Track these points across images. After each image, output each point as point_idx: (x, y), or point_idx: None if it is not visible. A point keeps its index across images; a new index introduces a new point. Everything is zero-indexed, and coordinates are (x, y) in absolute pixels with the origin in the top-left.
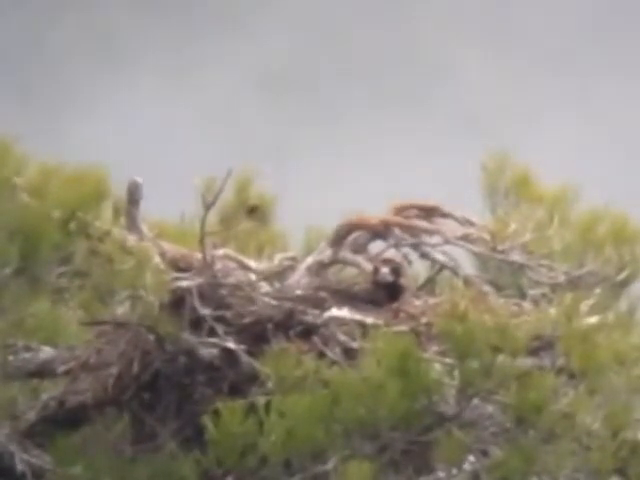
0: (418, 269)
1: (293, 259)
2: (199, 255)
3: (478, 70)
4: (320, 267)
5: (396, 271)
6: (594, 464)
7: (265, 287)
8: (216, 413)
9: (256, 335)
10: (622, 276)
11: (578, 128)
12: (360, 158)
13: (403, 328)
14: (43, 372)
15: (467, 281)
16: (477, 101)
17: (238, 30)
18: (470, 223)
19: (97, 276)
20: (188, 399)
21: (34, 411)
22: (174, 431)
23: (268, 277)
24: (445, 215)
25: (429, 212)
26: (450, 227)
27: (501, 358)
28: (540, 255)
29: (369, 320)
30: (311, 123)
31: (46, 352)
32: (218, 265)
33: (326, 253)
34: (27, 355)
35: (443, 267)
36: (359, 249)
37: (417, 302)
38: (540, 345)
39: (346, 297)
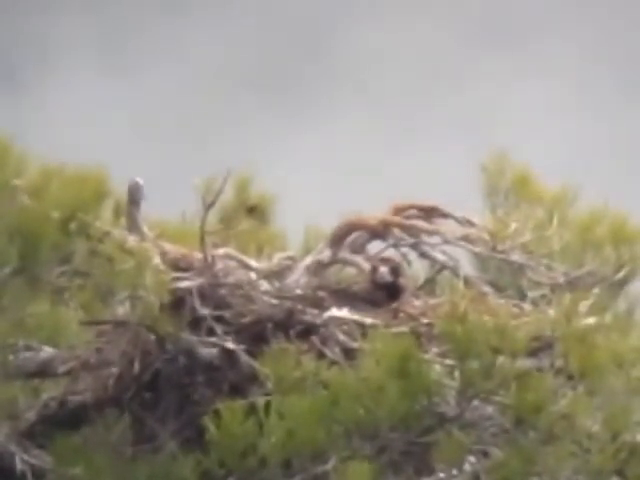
0: (418, 269)
1: (292, 259)
2: (199, 255)
3: (478, 69)
4: (319, 267)
5: (395, 271)
6: (594, 465)
7: (265, 286)
8: (216, 414)
9: (256, 335)
10: (620, 275)
11: (578, 127)
12: (359, 157)
13: (403, 329)
14: (43, 372)
15: (467, 281)
16: (477, 101)
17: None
18: (470, 223)
19: (97, 276)
20: (188, 400)
21: (34, 411)
22: (174, 431)
23: (267, 276)
24: (445, 215)
25: (429, 212)
26: (450, 227)
27: (501, 359)
28: (540, 255)
29: (368, 320)
30: (300, 125)
31: (46, 352)
32: (219, 265)
33: (325, 253)
34: (27, 355)
35: (443, 267)
36: (358, 249)
37: (417, 302)
38: (539, 346)
39: (345, 297)
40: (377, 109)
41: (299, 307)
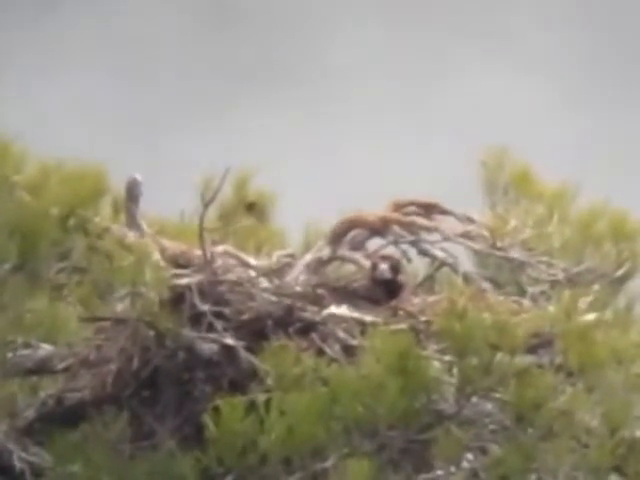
0: (417, 266)
1: (291, 256)
2: (199, 251)
3: (477, 69)
4: (319, 264)
5: (394, 268)
6: (593, 462)
7: (264, 283)
8: (216, 411)
9: (255, 331)
10: (621, 272)
11: (578, 126)
12: (358, 155)
13: (402, 326)
14: (42, 369)
15: (466, 278)
16: (477, 99)
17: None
18: (469, 220)
19: (96, 272)
20: (187, 396)
21: (33, 408)
22: (173, 429)
23: (267, 274)
24: (444, 212)
25: (428, 209)
26: (449, 224)
27: (500, 356)
28: (540, 252)
29: (368, 318)
30: (299, 123)
31: (45, 349)
32: (218, 262)
33: (325, 250)
34: (26, 352)
35: (442, 264)
36: (357, 246)
37: (416, 300)
38: (539, 342)
39: (345, 294)
40: (377, 108)
41: (298, 304)
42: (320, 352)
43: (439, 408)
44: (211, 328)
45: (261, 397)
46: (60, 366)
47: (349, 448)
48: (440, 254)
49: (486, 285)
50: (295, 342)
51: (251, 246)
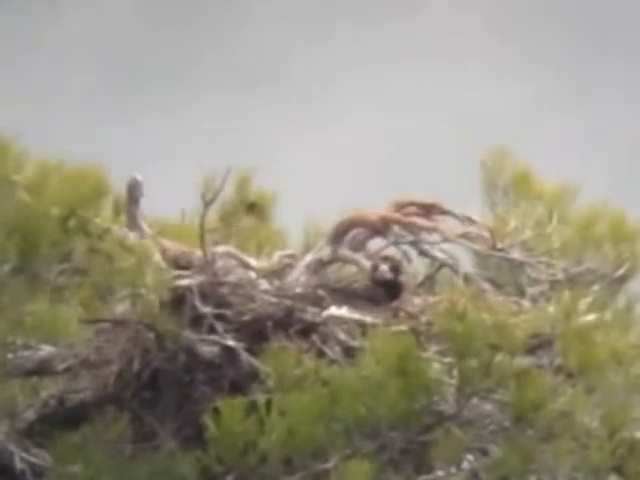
0: (417, 267)
1: (292, 257)
2: (200, 252)
3: (477, 68)
4: (319, 265)
5: (395, 269)
6: (592, 463)
7: (265, 284)
8: (216, 411)
9: (256, 333)
10: (620, 273)
11: (578, 126)
12: (359, 155)
13: (402, 327)
14: (42, 370)
15: (466, 279)
16: (476, 98)
17: None
18: (470, 221)
19: (97, 274)
20: (188, 398)
21: (33, 410)
22: (174, 430)
23: (267, 275)
24: (444, 212)
25: (428, 209)
26: (449, 225)
27: (500, 357)
28: (539, 252)
29: (368, 319)
30: (300, 122)
31: (45, 350)
32: (219, 263)
33: (325, 251)
34: (26, 353)
35: (442, 265)
36: (358, 247)
37: (416, 300)
38: (538, 343)
39: (345, 295)
40: (377, 108)
41: (299, 306)
42: (320, 353)
43: (439, 409)
44: (212, 330)
45: (262, 398)
46: (60, 367)
47: (349, 449)
48: (440, 255)
49: (486, 286)
50: (295, 343)
51: (252, 246)
